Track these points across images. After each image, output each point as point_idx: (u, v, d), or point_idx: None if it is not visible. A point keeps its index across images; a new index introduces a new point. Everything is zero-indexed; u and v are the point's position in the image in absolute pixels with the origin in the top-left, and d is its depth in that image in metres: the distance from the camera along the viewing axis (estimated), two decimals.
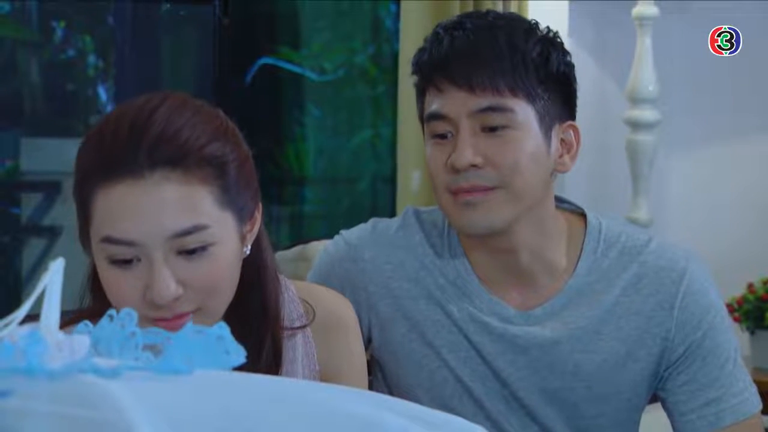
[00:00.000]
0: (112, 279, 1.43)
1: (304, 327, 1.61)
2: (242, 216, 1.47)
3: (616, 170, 3.86)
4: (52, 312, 0.78)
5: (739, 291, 3.55)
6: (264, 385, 0.79)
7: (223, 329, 0.80)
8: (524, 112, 1.75)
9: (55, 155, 4.21)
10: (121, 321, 0.83)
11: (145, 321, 1.43)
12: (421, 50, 1.81)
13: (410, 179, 4.06)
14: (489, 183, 1.74)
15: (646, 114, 3.71)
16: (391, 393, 1.89)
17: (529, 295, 1.84)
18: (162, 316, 1.43)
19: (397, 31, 4.19)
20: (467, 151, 1.73)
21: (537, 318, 1.83)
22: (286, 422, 0.75)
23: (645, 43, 3.73)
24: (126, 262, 1.42)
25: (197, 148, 1.41)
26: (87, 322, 0.84)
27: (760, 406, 1.86)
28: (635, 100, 3.72)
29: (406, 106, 4.02)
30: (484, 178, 1.74)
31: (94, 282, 1.50)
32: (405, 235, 1.89)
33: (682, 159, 4.29)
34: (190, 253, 1.42)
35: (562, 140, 1.81)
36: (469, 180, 1.74)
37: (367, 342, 1.89)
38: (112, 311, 0.84)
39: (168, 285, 1.41)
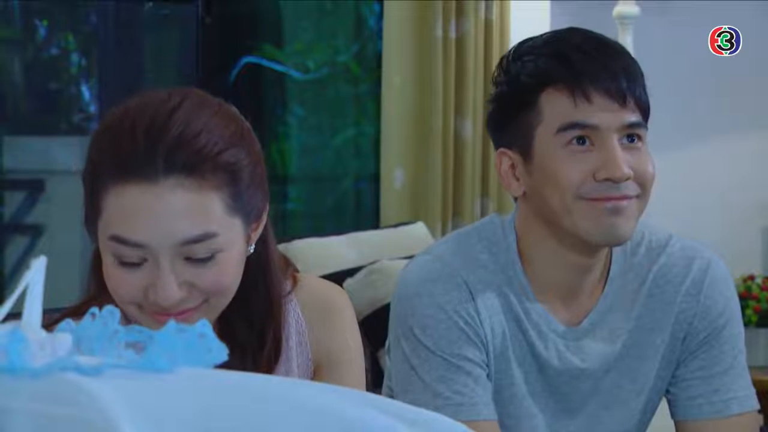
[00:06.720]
0: (116, 275, 1.43)
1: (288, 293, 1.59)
2: (250, 218, 1.47)
3: None
4: (34, 310, 0.78)
5: None
6: (247, 383, 0.79)
7: (206, 327, 0.80)
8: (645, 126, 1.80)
9: (38, 154, 4.20)
10: (104, 319, 0.83)
11: (148, 315, 1.44)
12: (551, 58, 1.77)
13: (393, 177, 4.06)
14: (634, 192, 1.77)
15: None
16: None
17: (572, 310, 1.85)
18: (166, 312, 1.43)
19: (380, 31, 4.20)
20: (625, 164, 1.76)
21: (584, 331, 1.85)
22: (269, 421, 0.75)
23: (626, 42, 3.74)
24: (133, 264, 1.42)
25: (214, 154, 1.41)
26: (69, 320, 0.84)
27: (758, 407, 1.89)
28: None
29: (389, 105, 4.03)
30: (631, 188, 1.77)
31: (98, 266, 1.49)
32: (469, 253, 1.84)
33: (660, 158, 4.28)
34: (198, 260, 1.42)
35: None
36: (621, 190, 1.76)
37: None
38: (94, 309, 0.84)
39: (172, 290, 1.41)
